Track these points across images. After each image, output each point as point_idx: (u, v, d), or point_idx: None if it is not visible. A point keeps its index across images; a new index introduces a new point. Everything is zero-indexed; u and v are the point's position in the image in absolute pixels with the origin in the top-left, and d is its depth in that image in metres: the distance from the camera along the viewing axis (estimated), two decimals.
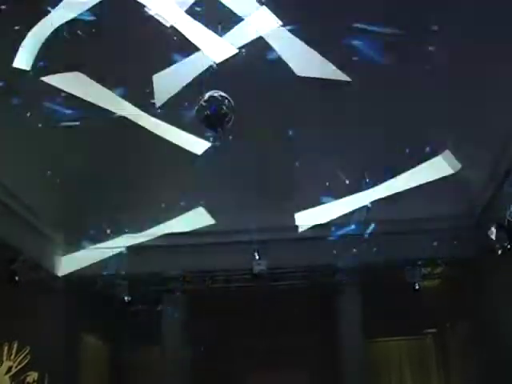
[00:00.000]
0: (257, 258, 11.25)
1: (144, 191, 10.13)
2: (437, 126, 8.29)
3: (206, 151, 8.78)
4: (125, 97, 8.03)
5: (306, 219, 10.88)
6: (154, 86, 7.61)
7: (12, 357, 11.13)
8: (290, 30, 7.10)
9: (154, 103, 7.89)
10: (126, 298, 12.02)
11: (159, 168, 9.98)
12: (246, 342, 12.74)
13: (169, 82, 7.62)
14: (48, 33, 6.78)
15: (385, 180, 9.74)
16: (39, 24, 6.71)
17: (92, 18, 6.72)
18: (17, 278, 10.61)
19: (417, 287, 12.13)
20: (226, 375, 12.85)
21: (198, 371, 13.44)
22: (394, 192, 9.82)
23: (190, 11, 6.78)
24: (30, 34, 6.75)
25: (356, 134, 8.42)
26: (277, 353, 12.74)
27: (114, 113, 8.29)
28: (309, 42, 7.18)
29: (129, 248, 11.59)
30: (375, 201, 9.99)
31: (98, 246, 11.59)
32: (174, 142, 8.63)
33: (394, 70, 7.38)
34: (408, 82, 7.69)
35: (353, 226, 10.62)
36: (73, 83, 7.67)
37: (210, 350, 13.16)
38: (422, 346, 12.85)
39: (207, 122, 6.79)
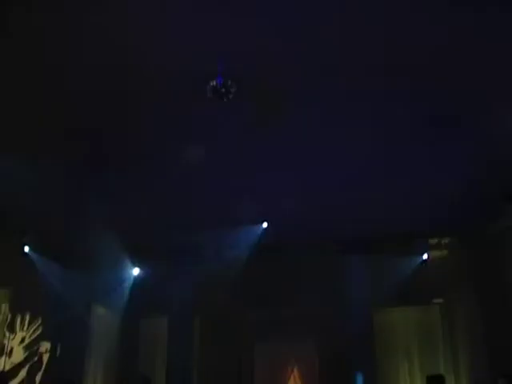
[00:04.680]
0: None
1: None
2: None
3: None
4: None
5: None
6: None
7: (25, 328, 11.35)
8: None
9: None
10: None
11: None
12: (251, 311, 12.80)
13: None
14: None
15: None
16: None
17: None
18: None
19: (424, 257, 12.25)
20: (235, 344, 12.94)
21: (203, 341, 13.67)
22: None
23: None
24: None
25: None
26: (282, 322, 12.79)
27: None
28: None
29: None
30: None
31: None
32: None
33: None
34: None
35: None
36: None
37: (216, 321, 13.27)
38: (429, 316, 12.90)
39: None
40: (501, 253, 10.04)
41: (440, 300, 12.68)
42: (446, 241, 12.03)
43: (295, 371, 13.82)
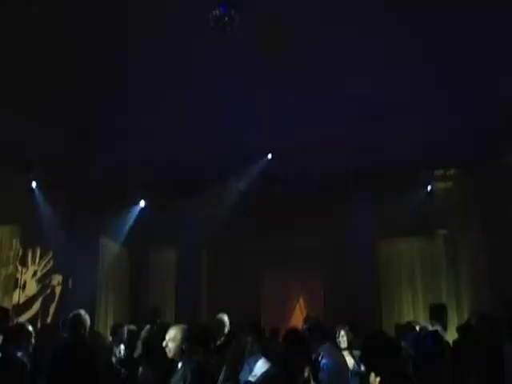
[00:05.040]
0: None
1: None
2: None
3: None
4: None
5: None
6: None
7: (36, 262, 11.58)
8: None
9: None
10: None
11: None
12: (260, 242, 12.98)
13: None
14: None
15: None
16: None
17: None
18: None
19: (429, 189, 12.27)
20: (242, 274, 13.19)
21: (211, 272, 13.95)
22: None
23: None
24: None
25: None
26: (287, 253, 12.98)
27: None
28: None
29: None
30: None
31: None
32: None
33: None
34: None
35: None
36: None
37: (224, 251, 13.49)
38: (432, 247, 13.05)
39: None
40: (503, 186, 10.07)
41: (444, 231, 12.81)
42: (451, 172, 12.04)
43: (301, 301, 14.14)
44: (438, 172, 12.02)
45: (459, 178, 12.08)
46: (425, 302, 11.90)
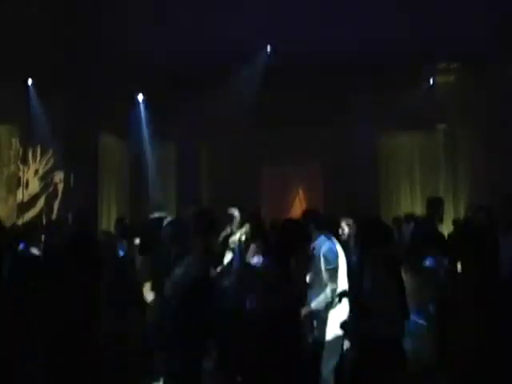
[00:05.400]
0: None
1: None
2: None
3: None
4: None
5: None
6: None
7: (37, 160, 11.62)
8: None
9: None
10: None
11: None
12: (259, 136, 12.98)
13: None
14: None
15: None
16: None
17: None
18: None
19: (431, 82, 12.11)
20: (242, 168, 13.28)
21: (211, 167, 14.05)
22: None
23: None
24: None
25: None
26: (290, 146, 13.01)
27: None
28: None
29: None
30: None
31: None
32: None
33: None
34: None
35: None
36: None
37: (223, 146, 13.49)
38: (432, 141, 13.07)
39: None
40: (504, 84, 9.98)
41: (444, 125, 12.77)
42: (454, 66, 11.81)
43: (300, 193, 14.35)
44: (441, 65, 11.79)
45: (461, 72, 11.86)
46: (423, 196, 12.07)
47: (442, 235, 6.80)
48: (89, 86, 11.47)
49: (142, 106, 13.17)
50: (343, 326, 4.81)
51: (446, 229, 8.08)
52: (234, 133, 12.86)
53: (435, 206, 8.00)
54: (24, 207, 11.06)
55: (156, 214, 6.19)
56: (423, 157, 13.11)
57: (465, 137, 12.20)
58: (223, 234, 6.47)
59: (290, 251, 4.52)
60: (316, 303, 5.26)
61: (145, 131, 13.26)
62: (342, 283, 5.41)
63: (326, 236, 5.48)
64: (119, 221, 8.55)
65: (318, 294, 5.29)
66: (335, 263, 5.42)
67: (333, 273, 5.36)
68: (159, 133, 12.91)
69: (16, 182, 10.23)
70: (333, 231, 5.76)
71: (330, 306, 5.33)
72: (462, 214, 10.36)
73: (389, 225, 5.91)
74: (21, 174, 10.89)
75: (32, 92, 10.95)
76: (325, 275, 5.33)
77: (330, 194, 12.93)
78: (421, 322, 5.77)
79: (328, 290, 5.28)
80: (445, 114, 12.33)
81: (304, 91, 12.03)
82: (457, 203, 11.86)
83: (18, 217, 10.82)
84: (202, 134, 13.25)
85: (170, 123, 12.51)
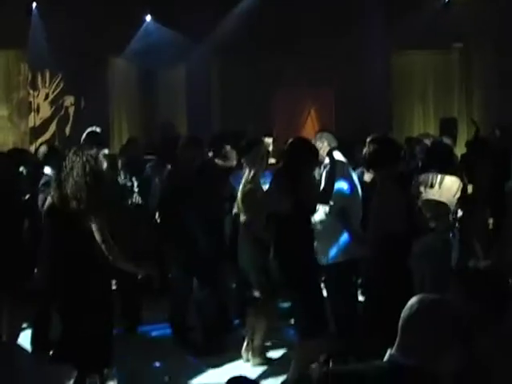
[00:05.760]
0: None
1: None
2: None
3: None
4: None
5: None
6: None
7: (46, 84, 11.55)
8: None
9: None
10: None
11: None
12: (269, 56, 12.77)
13: None
14: None
15: None
16: None
17: None
18: None
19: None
20: (251, 91, 13.13)
21: (222, 88, 13.90)
22: None
23: None
24: None
25: None
26: (300, 67, 12.81)
27: None
28: None
29: None
30: None
31: None
32: None
33: None
34: None
35: None
36: None
37: (234, 67, 13.29)
38: (447, 60, 12.77)
39: None
40: None
41: (459, 44, 12.42)
42: None
43: (312, 113, 14.25)
44: None
45: None
46: (436, 117, 11.92)
47: (455, 154, 6.75)
48: (96, 7, 11.21)
49: (150, 27, 12.88)
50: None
51: (460, 151, 8.05)
52: (245, 54, 12.63)
53: (449, 126, 7.96)
54: (36, 132, 11.10)
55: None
56: (437, 77, 12.84)
57: (480, 58, 11.89)
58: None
59: (298, 168, 4.51)
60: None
61: (154, 51, 13.04)
62: (356, 204, 5.30)
63: (336, 154, 5.31)
64: (131, 141, 8.57)
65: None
66: (348, 184, 5.31)
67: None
68: (168, 53, 12.69)
69: (27, 108, 10.22)
70: (346, 151, 5.67)
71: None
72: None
73: (398, 143, 5.88)
74: (31, 98, 10.85)
75: (37, 16, 10.73)
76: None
77: (342, 116, 12.81)
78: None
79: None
80: (461, 33, 11.97)
81: (316, 10, 11.71)
82: (471, 127, 11.72)
83: (30, 142, 10.89)
84: (212, 55, 13.02)
85: (179, 43, 12.27)
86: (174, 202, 5.47)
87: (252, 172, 5.19)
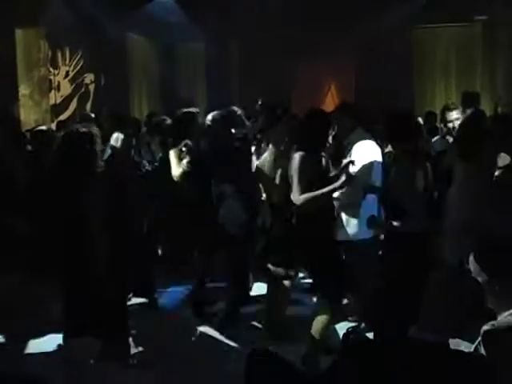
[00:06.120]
0: None
1: None
2: None
3: None
4: None
5: None
6: None
7: (66, 62, 11.59)
8: None
9: None
10: None
11: None
12: (289, 32, 12.66)
13: None
14: None
15: None
16: None
17: None
18: None
19: None
20: (271, 65, 13.05)
21: (242, 63, 13.86)
22: None
23: None
24: None
25: None
26: (320, 41, 12.69)
27: None
28: None
29: None
30: None
31: None
32: None
33: None
34: None
35: None
36: None
37: (254, 41, 13.17)
38: (469, 34, 12.55)
39: None
40: None
41: (483, 17, 12.18)
42: None
43: (332, 88, 14.19)
44: None
45: None
46: (457, 91, 11.77)
47: None
48: None
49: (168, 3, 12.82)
50: (370, 220, 4.79)
51: None
52: (265, 28, 12.54)
53: (471, 101, 7.83)
54: (57, 109, 11.17)
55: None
56: (460, 51, 12.65)
57: (504, 33, 11.63)
58: None
59: (314, 139, 4.45)
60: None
61: (172, 27, 13.00)
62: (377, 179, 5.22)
63: (360, 131, 5.22)
64: (150, 116, 8.60)
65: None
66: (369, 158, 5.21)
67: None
68: (187, 28, 12.64)
69: (48, 85, 10.28)
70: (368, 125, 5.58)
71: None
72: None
73: (416, 119, 5.80)
74: (51, 76, 10.89)
75: None
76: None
77: (362, 91, 12.71)
78: None
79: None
80: (483, 5, 11.73)
81: None
82: (493, 103, 11.53)
83: (51, 119, 10.97)
84: (232, 30, 12.96)
85: (198, 18, 12.21)
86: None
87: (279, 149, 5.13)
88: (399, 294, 4.07)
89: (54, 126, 9.29)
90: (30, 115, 9.36)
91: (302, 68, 13.84)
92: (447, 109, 7.05)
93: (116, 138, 5.56)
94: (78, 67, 11.83)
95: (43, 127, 6.88)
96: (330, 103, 13.38)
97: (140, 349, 4.59)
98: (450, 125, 6.68)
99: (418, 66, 12.83)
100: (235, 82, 13.82)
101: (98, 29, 11.40)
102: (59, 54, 11.29)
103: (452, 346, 2.26)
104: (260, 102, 6.91)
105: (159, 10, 12.51)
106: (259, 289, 5.87)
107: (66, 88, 11.59)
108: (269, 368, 2.91)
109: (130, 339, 4.55)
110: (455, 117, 6.67)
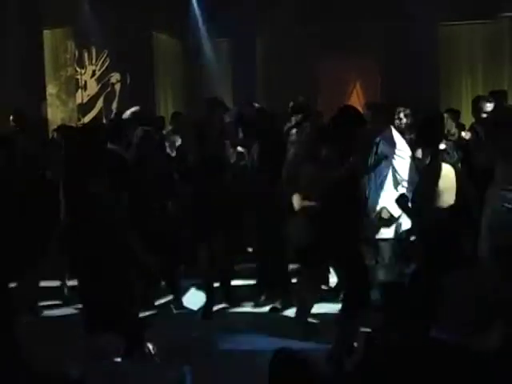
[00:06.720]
0: None
1: None
2: None
3: None
4: None
5: None
6: None
7: (93, 61, 11.72)
8: None
9: None
10: None
11: None
12: (315, 29, 12.61)
13: None
14: None
15: None
16: None
17: None
18: None
19: None
20: (295, 63, 12.97)
21: (266, 61, 13.82)
22: None
23: None
24: None
25: None
26: (345, 40, 12.62)
27: None
28: None
29: None
30: None
31: None
32: None
33: None
34: None
35: None
36: None
37: (278, 38, 13.14)
38: (496, 31, 12.37)
39: None
40: None
41: (509, 13, 11.99)
42: None
43: (357, 86, 14.09)
44: None
45: None
46: (484, 90, 11.57)
47: None
48: None
49: (195, 3, 12.89)
50: (399, 200, 4.77)
51: None
52: (288, 25, 12.51)
53: (498, 98, 7.70)
54: (84, 108, 11.31)
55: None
56: (486, 49, 12.44)
57: None
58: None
59: (347, 136, 4.32)
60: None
61: (199, 28, 13.05)
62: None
63: (390, 131, 5.18)
64: (175, 115, 8.64)
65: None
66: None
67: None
68: (213, 27, 12.67)
69: (75, 85, 10.40)
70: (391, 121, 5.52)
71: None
72: None
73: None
74: (78, 76, 11.03)
75: None
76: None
77: (387, 91, 12.61)
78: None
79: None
80: (510, 2, 11.55)
81: None
82: None
83: (78, 118, 11.11)
84: (256, 27, 12.94)
85: (223, 17, 12.23)
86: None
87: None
88: (424, 292, 4.06)
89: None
90: (57, 114, 9.51)
91: (327, 66, 13.76)
92: (483, 99, 6.78)
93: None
94: (104, 67, 11.96)
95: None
96: (355, 102, 13.30)
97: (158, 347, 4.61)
98: (484, 115, 6.48)
99: (443, 63, 12.67)
100: (260, 81, 13.80)
101: (125, 27, 11.47)
102: (86, 54, 11.43)
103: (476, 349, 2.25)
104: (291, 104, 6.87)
105: (184, 9, 12.61)
106: None
107: (93, 87, 11.73)
108: (293, 370, 2.91)
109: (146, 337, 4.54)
110: (491, 108, 6.50)
